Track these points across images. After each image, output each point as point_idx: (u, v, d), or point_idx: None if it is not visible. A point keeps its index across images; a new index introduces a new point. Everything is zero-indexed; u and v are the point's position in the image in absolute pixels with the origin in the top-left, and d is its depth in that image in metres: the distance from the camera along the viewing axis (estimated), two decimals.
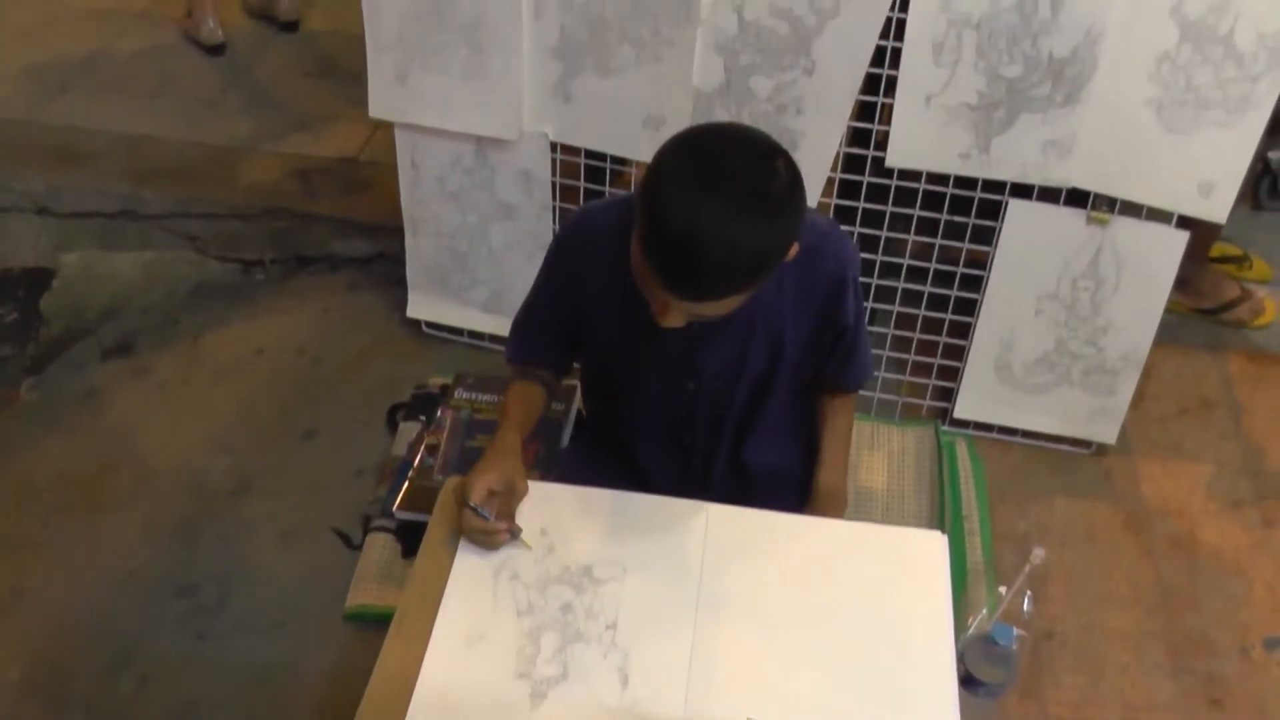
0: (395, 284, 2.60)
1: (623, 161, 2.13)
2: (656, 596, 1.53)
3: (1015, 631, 1.63)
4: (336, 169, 2.86)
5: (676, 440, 1.67)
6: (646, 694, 1.43)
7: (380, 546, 2.02)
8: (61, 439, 2.36)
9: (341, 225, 2.74)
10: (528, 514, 1.62)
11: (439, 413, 2.13)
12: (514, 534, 1.54)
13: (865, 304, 1.57)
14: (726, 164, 1.24)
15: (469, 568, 1.56)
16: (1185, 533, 2.12)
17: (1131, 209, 1.97)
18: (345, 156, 2.90)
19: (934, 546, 1.60)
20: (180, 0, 3.41)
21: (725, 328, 1.50)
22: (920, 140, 1.94)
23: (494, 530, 1.52)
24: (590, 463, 1.78)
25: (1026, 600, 1.71)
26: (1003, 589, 1.72)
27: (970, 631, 1.72)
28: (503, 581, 1.55)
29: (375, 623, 1.95)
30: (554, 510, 1.61)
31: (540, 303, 1.63)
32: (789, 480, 1.73)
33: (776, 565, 1.57)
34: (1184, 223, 1.96)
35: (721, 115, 1.95)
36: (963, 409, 2.25)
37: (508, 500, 1.54)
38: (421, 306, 2.47)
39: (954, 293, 2.14)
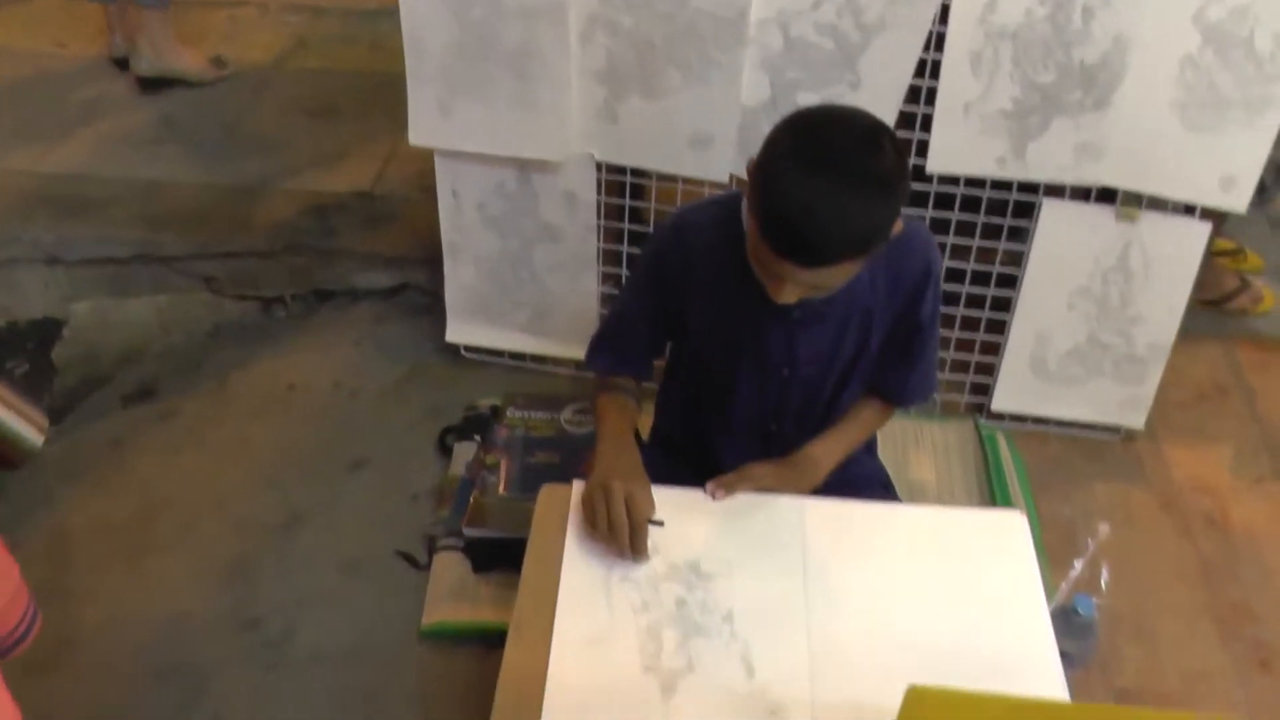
0: (424, 313, 2.63)
1: (670, 178, 2.19)
2: (766, 588, 1.58)
3: (1094, 601, 1.71)
4: (351, 203, 2.88)
5: (763, 433, 1.72)
6: (773, 680, 1.47)
7: (450, 565, 2.04)
8: (92, 488, 2.32)
9: (362, 259, 2.75)
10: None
11: (494, 432, 2.15)
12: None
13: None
14: (836, 142, 1.34)
15: (579, 572, 1.59)
16: (1217, 510, 2.22)
17: (1157, 204, 2.08)
18: (359, 190, 2.92)
19: (1016, 524, 1.67)
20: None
21: (824, 316, 1.57)
22: (959, 147, 2.04)
23: (639, 534, 1.55)
24: (662, 470, 1.82)
25: (1104, 572, 1.79)
26: (1077, 562, 1.79)
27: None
28: (614, 583, 1.58)
29: (453, 640, 1.97)
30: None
31: (630, 312, 1.68)
32: (855, 473, 1.79)
33: (874, 552, 1.63)
34: (1204, 216, 2.08)
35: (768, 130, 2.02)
36: (1000, 402, 2.34)
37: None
38: (461, 331, 2.50)
39: (990, 291, 2.24)
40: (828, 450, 1.68)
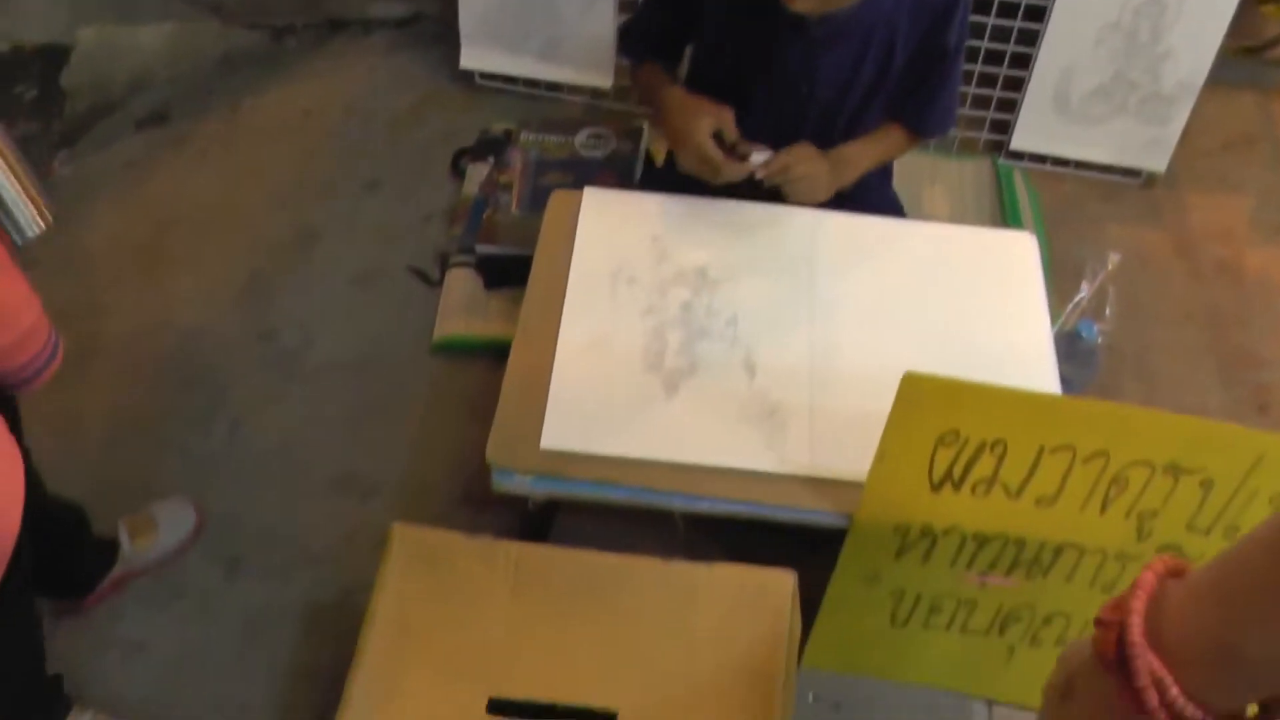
0: (438, 42, 2.57)
1: None
2: (771, 294, 1.60)
3: (1097, 327, 1.72)
4: None
5: None
6: (773, 382, 1.51)
7: (462, 281, 2.06)
8: (108, 208, 2.33)
9: None
10: (636, 224, 1.67)
11: (508, 153, 2.14)
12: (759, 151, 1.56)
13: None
14: None
15: (585, 275, 1.61)
16: (1231, 258, 2.21)
17: None
18: None
19: (1026, 244, 1.68)
20: None
21: (845, 34, 1.53)
22: None
23: (744, 159, 1.54)
24: (677, 191, 1.81)
25: (1110, 299, 1.79)
26: (1084, 286, 1.79)
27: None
28: (620, 285, 1.60)
29: (463, 353, 2.02)
30: (662, 219, 1.66)
31: (654, 2, 1.66)
32: (869, 201, 1.78)
33: (882, 264, 1.64)
34: None
35: None
36: (1019, 141, 2.29)
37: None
38: (475, 57, 2.44)
39: (1016, 24, 2.16)
40: (859, 153, 1.67)
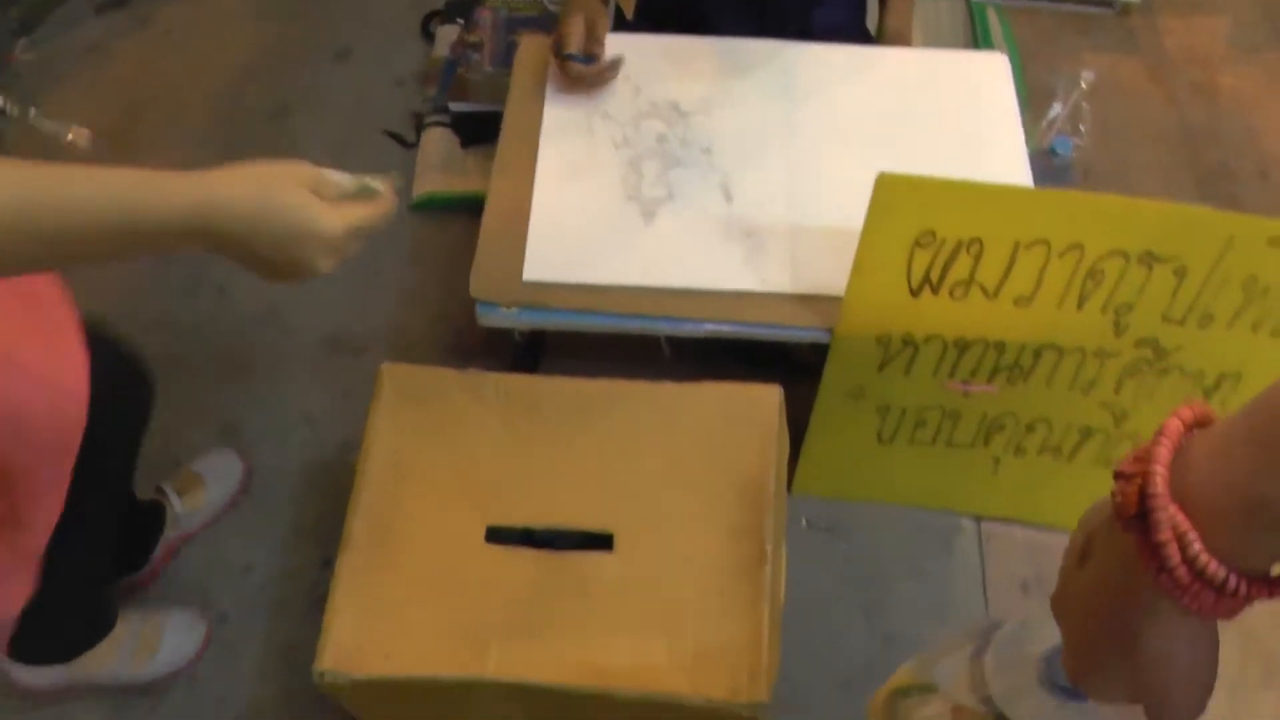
0: None
1: None
2: (746, 124, 1.60)
3: (1072, 142, 1.72)
4: None
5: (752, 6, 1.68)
6: (750, 205, 1.52)
7: (437, 140, 2.05)
8: (74, 91, 2.30)
9: None
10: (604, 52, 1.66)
11: (477, 14, 2.11)
12: (614, 70, 1.58)
13: None
14: None
15: (560, 112, 1.61)
16: (1206, 79, 2.21)
17: None
18: None
19: (998, 64, 1.67)
20: None
21: None
22: None
23: (596, 70, 1.55)
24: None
25: (1086, 114, 1.79)
26: (1058, 104, 1.79)
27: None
28: (595, 120, 1.60)
29: (443, 209, 2.02)
30: (634, 56, 1.64)
31: None
32: (843, 36, 1.76)
33: (857, 91, 1.64)
34: None
35: None
36: None
37: (592, 41, 1.56)
38: None
39: None
40: (900, 18, 1.70)
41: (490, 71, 2.01)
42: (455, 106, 2.01)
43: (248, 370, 1.86)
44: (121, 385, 1.24)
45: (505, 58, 2.01)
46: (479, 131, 2.01)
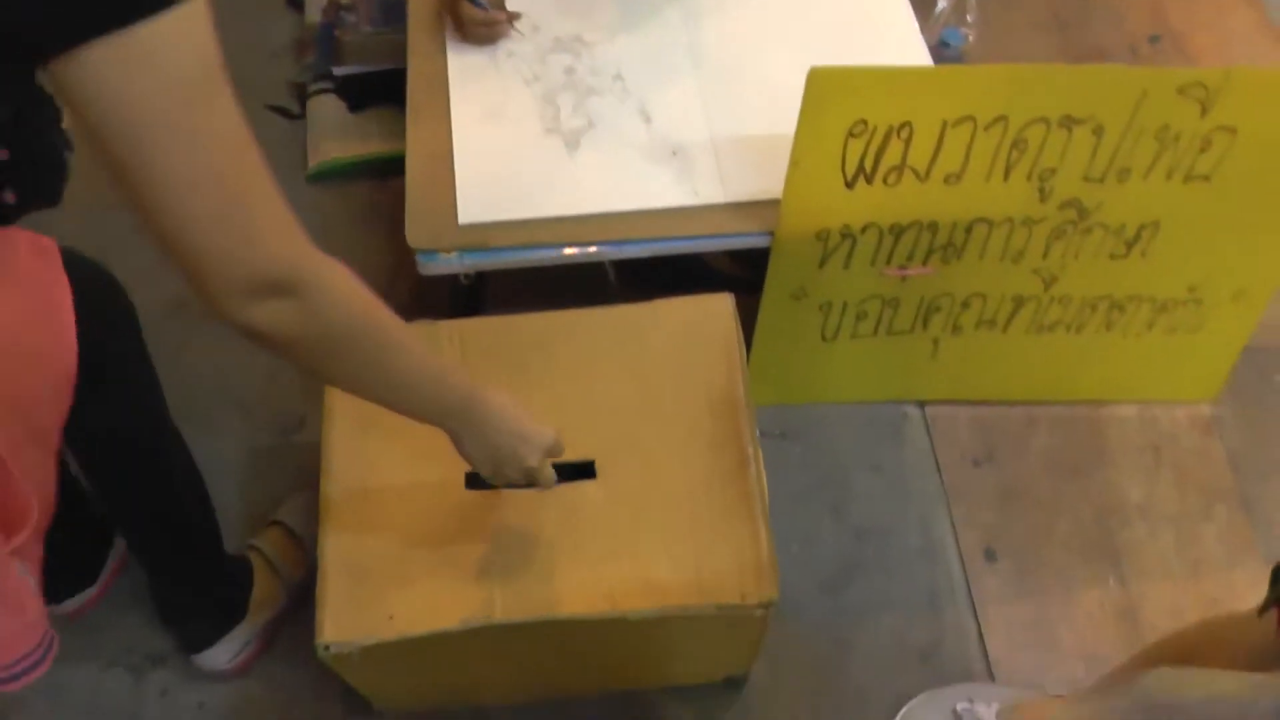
0: None
1: None
2: (651, 46, 1.60)
3: (962, 31, 1.77)
4: None
5: None
6: (670, 123, 1.52)
7: (325, 107, 1.99)
8: None
9: None
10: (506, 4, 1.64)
11: None
12: (513, 21, 1.57)
13: None
14: None
15: (465, 58, 1.59)
16: None
17: None
18: None
19: None
20: None
21: None
22: None
23: (494, 20, 1.54)
24: None
25: (969, 6, 1.83)
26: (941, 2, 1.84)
27: None
28: (501, 60, 1.58)
29: (342, 176, 1.96)
30: None
31: None
32: None
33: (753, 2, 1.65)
34: None
35: None
36: None
37: None
38: None
39: None
40: None
41: (369, 31, 1.95)
42: (339, 71, 1.95)
43: (172, 358, 1.78)
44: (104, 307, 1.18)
45: (384, 17, 1.96)
46: (367, 93, 1.96)
